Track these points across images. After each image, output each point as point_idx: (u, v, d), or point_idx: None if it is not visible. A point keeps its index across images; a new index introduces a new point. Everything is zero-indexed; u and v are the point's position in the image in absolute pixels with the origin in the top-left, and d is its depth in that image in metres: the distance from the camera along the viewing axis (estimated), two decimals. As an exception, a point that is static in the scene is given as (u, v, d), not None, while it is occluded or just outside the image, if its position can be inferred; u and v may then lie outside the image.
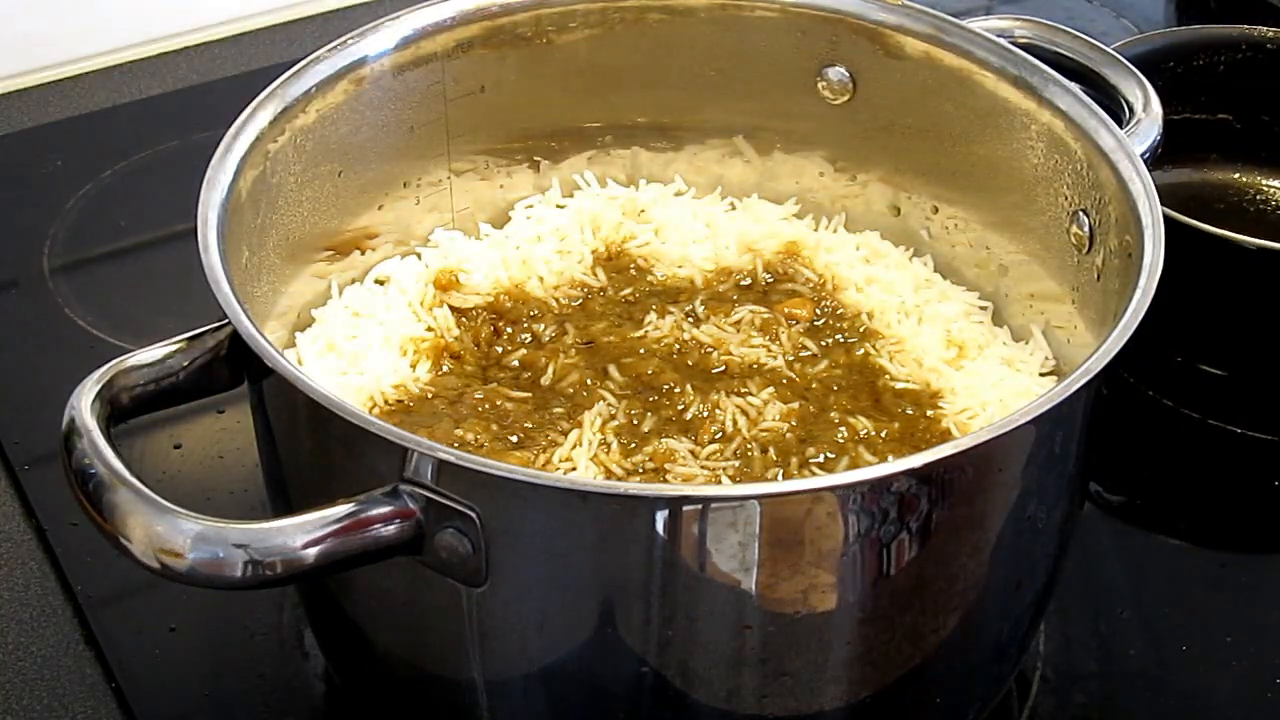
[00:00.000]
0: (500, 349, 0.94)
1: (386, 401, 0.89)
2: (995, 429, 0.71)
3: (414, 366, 0.92)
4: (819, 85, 1.01)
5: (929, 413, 0.90)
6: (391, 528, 0.70)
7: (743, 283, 0.99)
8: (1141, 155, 0.87)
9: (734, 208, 1.05)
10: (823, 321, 0.96)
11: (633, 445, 0.87)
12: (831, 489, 0.72)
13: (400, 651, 0.82)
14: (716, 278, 0.99)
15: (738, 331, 0.95)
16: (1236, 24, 1.22)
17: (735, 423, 0.88)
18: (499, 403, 0.89)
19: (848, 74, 1.00)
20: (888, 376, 0.92)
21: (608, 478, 0.84)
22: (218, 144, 0.85)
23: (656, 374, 0.91)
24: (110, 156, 1.29)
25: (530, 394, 0.90)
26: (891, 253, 1.02)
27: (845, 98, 1.01)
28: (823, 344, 0.94)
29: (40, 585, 0.96)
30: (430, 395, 0.90)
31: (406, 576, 0.74)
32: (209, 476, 1.02)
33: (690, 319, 0.96)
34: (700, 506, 0.70)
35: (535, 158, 1.04)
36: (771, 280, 0.99)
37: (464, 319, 0.96)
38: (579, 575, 0.73)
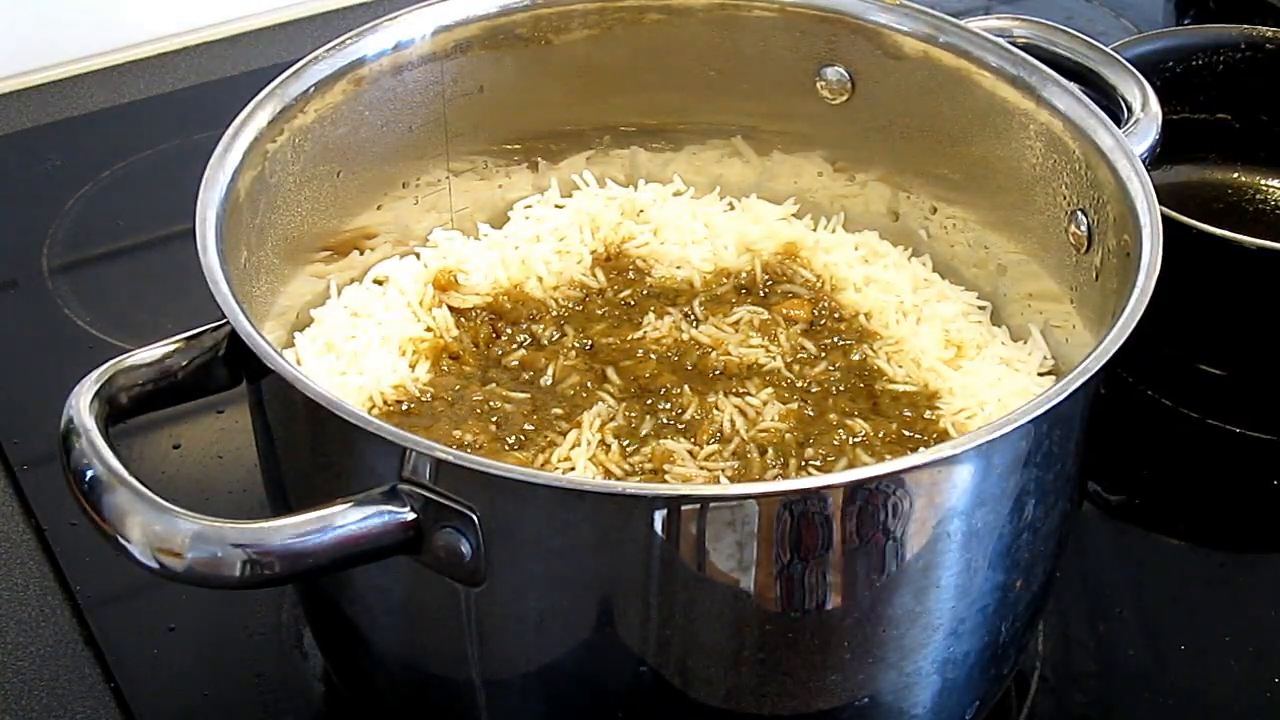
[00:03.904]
0: (499, 350, 0.94)
1: (385, 402, 0.89)
2: (993, 429, 0.71)
3: (413, 367, 0.92)
4: (817, 85, 1.01)
5: (927, 413, 0.90)
6: (390, 527, 0.70)
7: (741, 284, 0.99)
8: (1140, 155, 0.87)
9: (733, 208, 1.05)
10: (821, 322, 0.96)
11: (631, 446, 0.87)
12: (830, 488, 0.72)
13: (399, 651, 0.82)
14: (715, 278, 0.99)
15: (736, 332, 0.95)
16: (1236, 24, 1.22)
17: (734, 424, 0.88)
18: (498, 403, 0.89)
19: (846, 74, 1.00)
20: (886, 379, 0.92)
21: (606, 478, 0.84)
22: (216, 144, 0.85)
23: (655, 376, 0.91)
24: (110, 156, 1.29)
25: (529, 395, 0.90)
26: (890, 253, 1.02)
27: (844, 98, 1.01)
28: (821, 345, 0.94)
29: (39, 585, 0.96)
30: (429, 396, 0.90)
31: (405, 576, 0.74)
32: (208, 476, 1.02)
33: (689, 320, 0.96)
34: (698, 506, 0.70)
35: (534, 158, 1.04)
36: (770, 281, 0.99)
37: (463, 319, 0.96)
38: (577, 575, 0.73)
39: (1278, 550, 1.05)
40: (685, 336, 0.94)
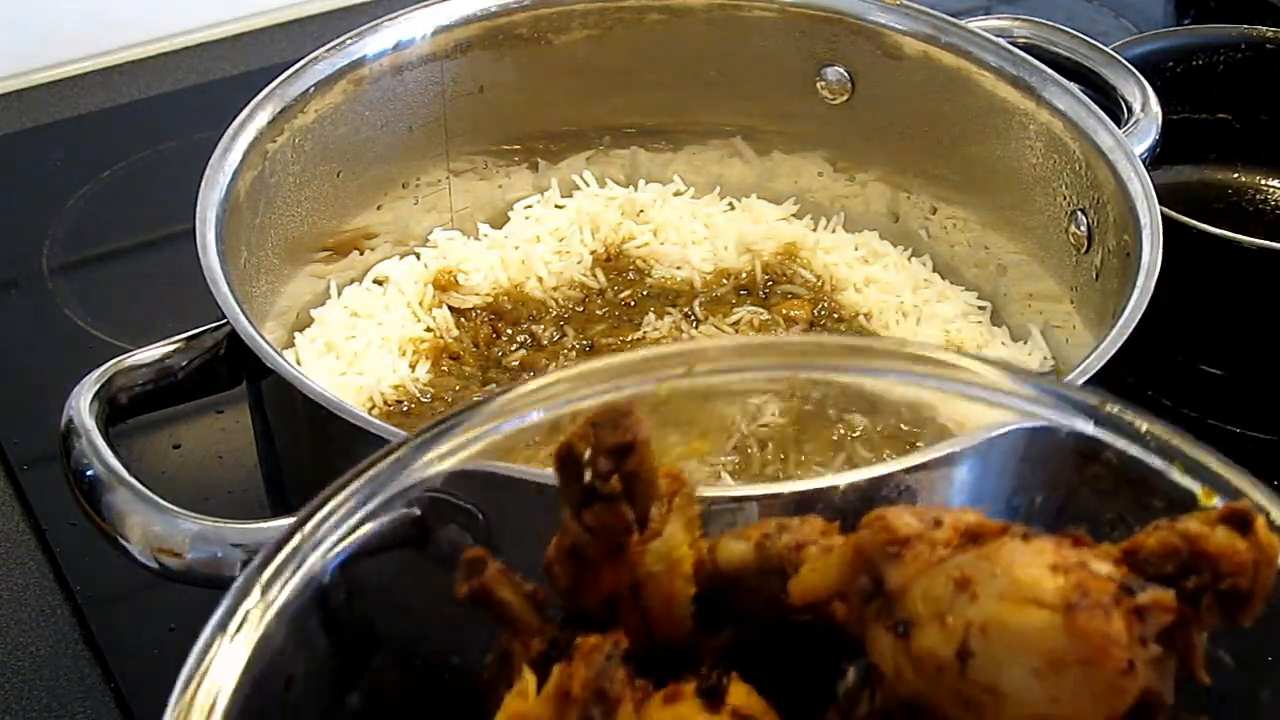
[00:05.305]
0: (499, 350, 0.94)
1: (386, 402, 0.89)
2: (993, 428, 0.70)
3: (413, 367, 0.92)
4: (817, 85, 1.01)
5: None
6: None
7: (741, 284, 0.99)
8: (1140, 155, 0.87)
9: (733, 208, 1.05)
10: (821, 323, 0.96)
11: (632, 445, 0.87)
12: (830, 489, 0.72)
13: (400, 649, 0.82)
14: (715, 279, 0.99)
15: (736, 333, 0.95)
16: (1236, 24, 1.22)
17: (734, 420, 0.88)
18: (498, 403, 0.89)
19: (846, 74, 1.00)
20: (886, 376, 0.92)
21: (607, 477, 0.84)
22: (216, 144, 0.85)
23: (655, 374, 0.91)
24: (110, 156, 1.29)
25: (529, 394, 0.90)
26: (890, 253, 1.02)
27: (844, 98, 1.01)
28: (821, 344, 0.94)
29: (39, 585, 0.96)
30: (429, 396, 0.90)
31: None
32: (208, 476, 1.02)
33: (689, 320, 0.96)
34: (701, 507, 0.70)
35: (534, 158, 1.04)
36: (770, 281, 0.99)
37: (463, 319, 0.96)
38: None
39: (1278, 550, 1.05)
40: (685, 337, 0.94)
